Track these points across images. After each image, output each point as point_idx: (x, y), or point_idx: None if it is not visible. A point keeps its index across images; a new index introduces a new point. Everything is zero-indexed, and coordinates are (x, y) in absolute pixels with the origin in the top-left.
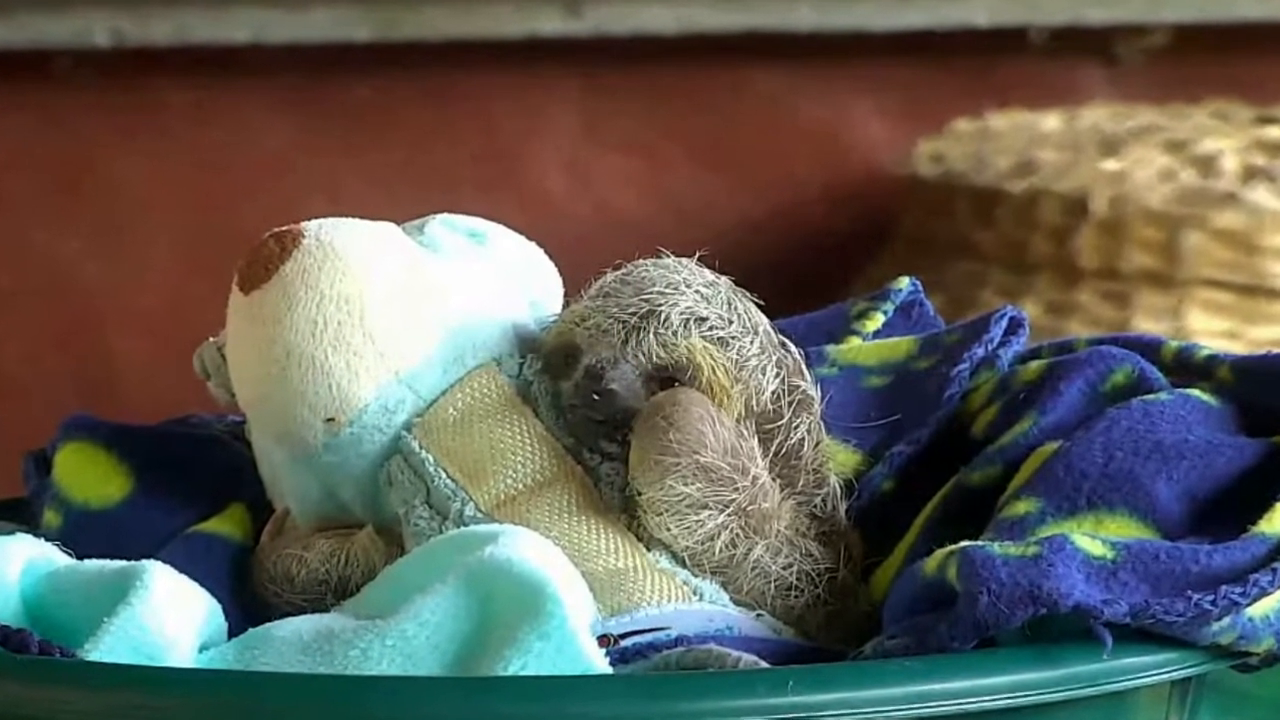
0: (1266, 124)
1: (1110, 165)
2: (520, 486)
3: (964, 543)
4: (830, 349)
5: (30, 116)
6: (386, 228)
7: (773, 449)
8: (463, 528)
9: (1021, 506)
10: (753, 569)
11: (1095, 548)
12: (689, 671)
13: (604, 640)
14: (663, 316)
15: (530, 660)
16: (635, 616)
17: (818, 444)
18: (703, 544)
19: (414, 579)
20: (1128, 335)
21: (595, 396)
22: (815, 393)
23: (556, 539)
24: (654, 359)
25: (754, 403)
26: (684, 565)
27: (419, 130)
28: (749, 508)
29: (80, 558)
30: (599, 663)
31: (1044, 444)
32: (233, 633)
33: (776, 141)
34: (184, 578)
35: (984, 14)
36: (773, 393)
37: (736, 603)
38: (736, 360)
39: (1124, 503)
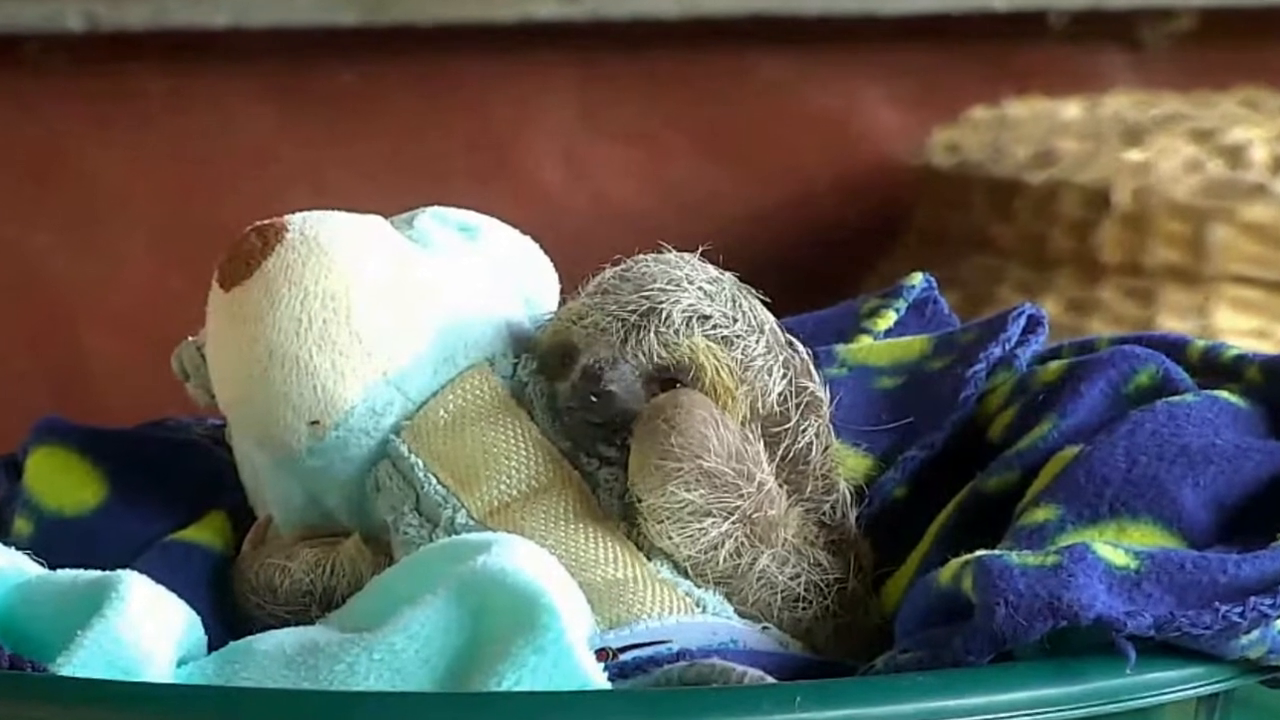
0: None
1: (1134, 155)
2: (514, 493)
3: (980, 552)
4: (840, 348)
5: None
6: (373, 221)
7: (779, 453)
8: (454, 536)
9: (1040, 514)
10: (758, 579)
11: (1118, 557)
12: (691, 687)
13: (602, 654)
14: (664, 314)
15: (525, 675)
16: (635, 629)
17: (826, 448)
18: (706, 553)
19: (403, 590)
20: (1152, 334)
21: (593, 398)
22: (824, 394)
23: (552, 548)
24: (655, 359)
25: (760, 405)
26: (686, 575)
27: (408, 119)
28: (754, 515)
29: (53, 567)
30: (597, 678)
31: (1064, 448)
32: (212, 646)
33: (783, 131)
34: (161, 588)
35: None
36: (779, 394)
37: (741, 615)
38: (741, 360)
39: (1148, 510)
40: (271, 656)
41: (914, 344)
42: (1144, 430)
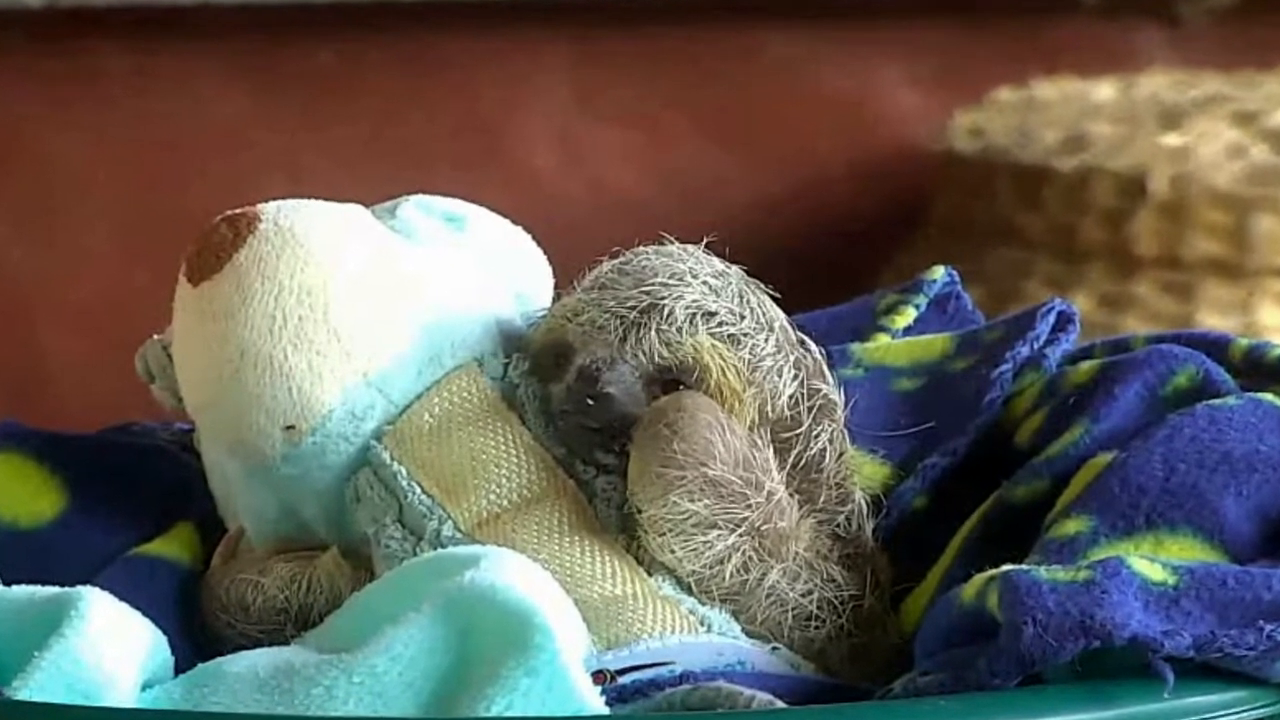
0: None
1: (1171, 140)
2: (505, 503)
3: (1006, 566)
4: (855, 348)
5: None
6: (353, 211)
7: (790, 461)
8: (440, 550)
9: (1071, 526)
10: (767, 596)
11: (1155, 572)
12: (695, 712)
13: (600, 677)
14: (666, 311)
15: (516, 699)
16: (635, 650)
17: (841, 455)
18: (711, 568)
19: (385, 607)
20: (1191, 332)
21: (589, 401)
22: (838, 397)
23: (545, 562)
24: (656, 359)
25: (769, 408)
26: (690, 592)
27: (390, 100)
28: (763, 527)
29: (8, 583)
30: (594, 702)
31: (1097, 455)
32: (180, 668)
33: (794, 113)
34: (125, 606)
35: None
36: (790, 397)
37: (749, 634)
38: (749, 360)
39: (1187, 521)
40: (243, 679)
41: (935, 343)
42: (1183, 436)
